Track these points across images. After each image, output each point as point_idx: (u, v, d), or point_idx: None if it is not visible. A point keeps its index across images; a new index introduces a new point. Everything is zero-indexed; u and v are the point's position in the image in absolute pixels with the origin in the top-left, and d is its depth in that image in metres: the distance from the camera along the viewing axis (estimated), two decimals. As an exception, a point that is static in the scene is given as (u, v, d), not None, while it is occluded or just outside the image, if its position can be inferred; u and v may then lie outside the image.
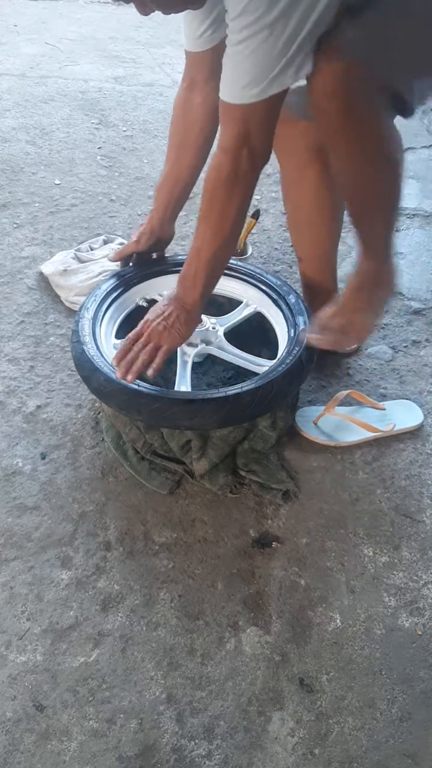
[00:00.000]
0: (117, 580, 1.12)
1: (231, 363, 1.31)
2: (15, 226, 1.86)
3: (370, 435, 1.33)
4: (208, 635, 1.06)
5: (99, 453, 1.31)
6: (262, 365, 1.28)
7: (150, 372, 1.12)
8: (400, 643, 1.06)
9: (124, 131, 2.30)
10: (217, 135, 1.07)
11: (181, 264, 1.44)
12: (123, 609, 1.08)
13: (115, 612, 1.08)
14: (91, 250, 1.72)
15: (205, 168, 1.11)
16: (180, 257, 1.48)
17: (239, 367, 1.32)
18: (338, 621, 1.08)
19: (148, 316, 1.17)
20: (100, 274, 1.59)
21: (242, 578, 1.13)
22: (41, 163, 2.14)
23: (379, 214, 1.14)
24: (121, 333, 1.35)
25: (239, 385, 1.14)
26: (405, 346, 1.56)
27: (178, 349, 1.27)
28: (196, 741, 0.95)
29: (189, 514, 1.22)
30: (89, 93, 2.54)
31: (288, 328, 1.27)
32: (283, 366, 1.18)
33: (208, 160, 1.11)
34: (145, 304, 1.41)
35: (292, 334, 1.26)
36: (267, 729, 0.97)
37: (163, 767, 0.93)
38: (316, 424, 1.35)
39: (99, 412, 1.36)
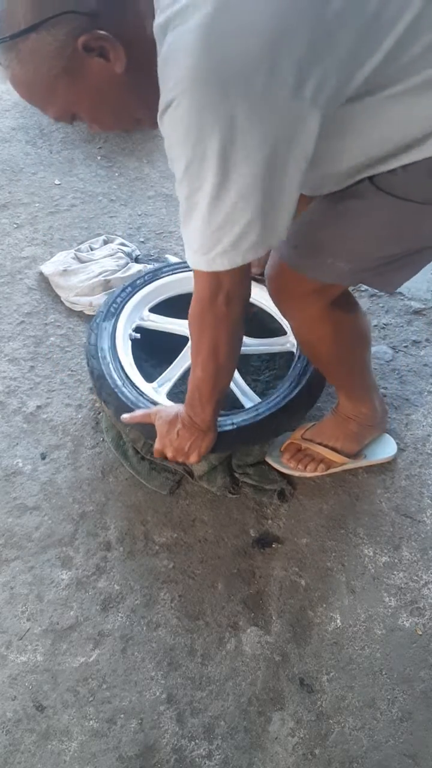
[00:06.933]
0: (117, 580, 1.12)
1: (255, 353, 1.41)
2: (15, 226, 1.85)
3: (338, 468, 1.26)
4: (209, 635, 1.06)
5: (99, 453, 1.31)
6: (283, 343, 1.38)
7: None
8: (400, 643, 1.06)
9: (124, 131, 2.30)
10: None
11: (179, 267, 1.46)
12: (123, 609, 1.08)
13: (115, 612, 1.08)
14: (92, 250, 1.72)
15: None
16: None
17: (263, 354, 1.43)
18: (338, 621, 1.08)
19: (161, 430, 1.13)
20: (100, 274, 1.59)
21: (242, 578, 1.13)
22: (41, 163, 2.14)
23: (336, 371, 1.17)
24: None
25: (229, 419, 1.17)
26: (405, 346, 1.56)
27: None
28: (197, 741, 0.95)
29: (189, 515, 1.22)
30: (89, 93, 2.54)
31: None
32: (273, 404, 1.20)
33: None
34: (138, 336, 1.36)
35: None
36: (267, 729, 0.97)
37: (163, 767, 0.93)
38: (282, 451, 1.26)
39: (99, 413, 1.36)
